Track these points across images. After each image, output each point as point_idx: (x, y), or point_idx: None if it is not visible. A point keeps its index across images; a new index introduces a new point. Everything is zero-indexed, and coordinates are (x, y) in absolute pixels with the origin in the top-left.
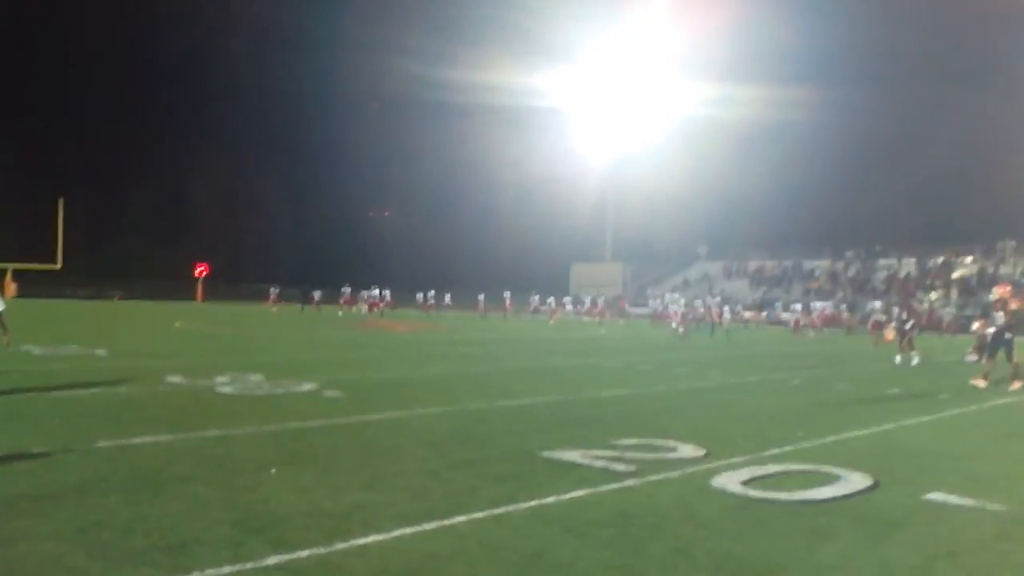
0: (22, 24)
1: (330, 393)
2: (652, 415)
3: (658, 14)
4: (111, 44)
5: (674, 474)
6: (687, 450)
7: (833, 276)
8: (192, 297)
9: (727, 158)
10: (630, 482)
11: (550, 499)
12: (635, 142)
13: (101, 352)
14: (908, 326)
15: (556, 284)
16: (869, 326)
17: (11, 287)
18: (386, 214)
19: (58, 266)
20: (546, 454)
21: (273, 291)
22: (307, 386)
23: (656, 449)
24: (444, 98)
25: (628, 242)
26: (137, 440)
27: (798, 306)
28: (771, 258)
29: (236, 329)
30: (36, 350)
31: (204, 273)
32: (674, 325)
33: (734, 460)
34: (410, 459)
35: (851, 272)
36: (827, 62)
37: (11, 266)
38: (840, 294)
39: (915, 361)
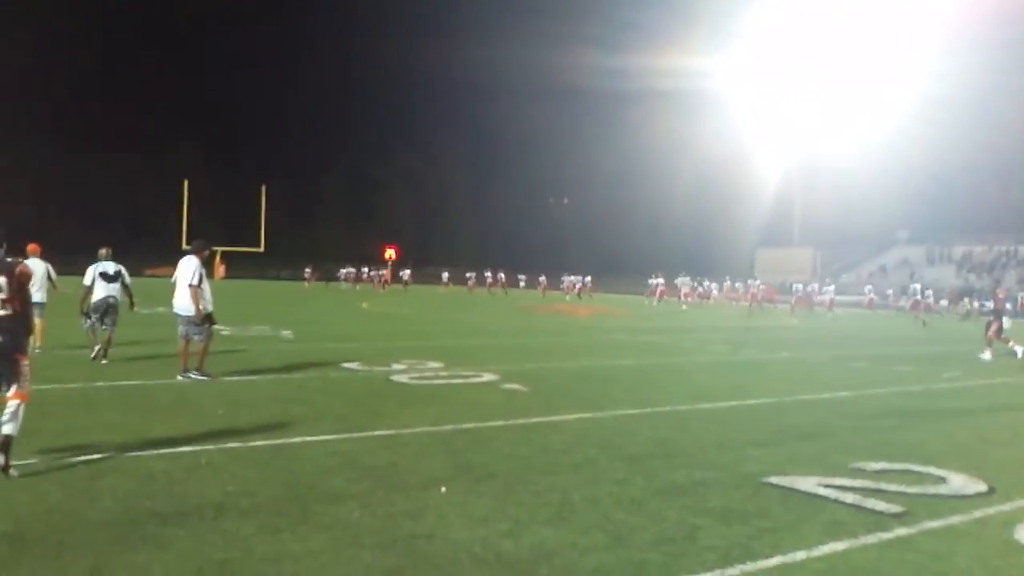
0: (222, 26)
1: (511, 386)
2: (892, 428)
3: None
4: (303, 45)
5: (958, 520)
6: (960, 482)
7: None
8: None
9: (931, 135)
10: (901, 531)
11: (798, 554)
12: (825, 121)
13: (287, 334)
14: None
15: (740, 270)
16: None
17: (220, 269)
18: (566, 202)
19: (261, 249)
20: (775, 480)
21: (445, 275)
22: (486, 376)
23: (919, 480)
24: (623, 86)
25: (818, 226)
26: (297, 440)
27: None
28: (980, 243)
29: (420, 311)
30: (225, 330)
31: (392, 256)
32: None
33: None
34: (607, 480)
35: None
36: None
37: (220, 249)
38: None
39: None
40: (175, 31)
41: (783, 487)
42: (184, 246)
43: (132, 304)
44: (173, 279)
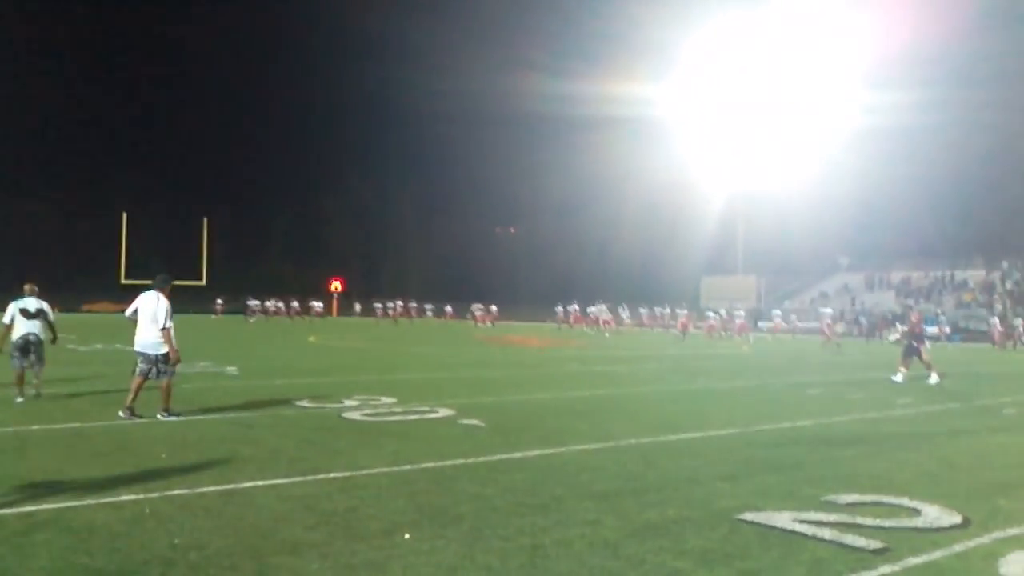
0: (162, 53)
1: (468, 421)
2: (857, 457)
3: (790, 18)
4: (247, 71)
5: (940, 555)
6: (935, 513)
7: (988, 287)
8: (327, 312)
9: (867, 164)
10: (885, 568)
11: None
12: (766, 149)
13: (232, 370)
14: None
15: (686, 298)
16: None
17: None
18: (512, 231)
19: (203, 282)
20: (750, 517)
21: (397, 305)
22: (442, 412)
23: (893, 512)
24: (570, 112)
25: (762, 253)
26: (248, 484)
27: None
28: (917, 269)
29: (368, 344)
30: None
31: (339, 288)
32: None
33: (1010, 532)
34: (577, 521)
35: (1009, 283)
36: (972, 60)
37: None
38: (998, 307)
39: None
40: (116, 58)
41: (759, 524)
42: (123, 280)
43: (54, 339)
44: (130, 314)
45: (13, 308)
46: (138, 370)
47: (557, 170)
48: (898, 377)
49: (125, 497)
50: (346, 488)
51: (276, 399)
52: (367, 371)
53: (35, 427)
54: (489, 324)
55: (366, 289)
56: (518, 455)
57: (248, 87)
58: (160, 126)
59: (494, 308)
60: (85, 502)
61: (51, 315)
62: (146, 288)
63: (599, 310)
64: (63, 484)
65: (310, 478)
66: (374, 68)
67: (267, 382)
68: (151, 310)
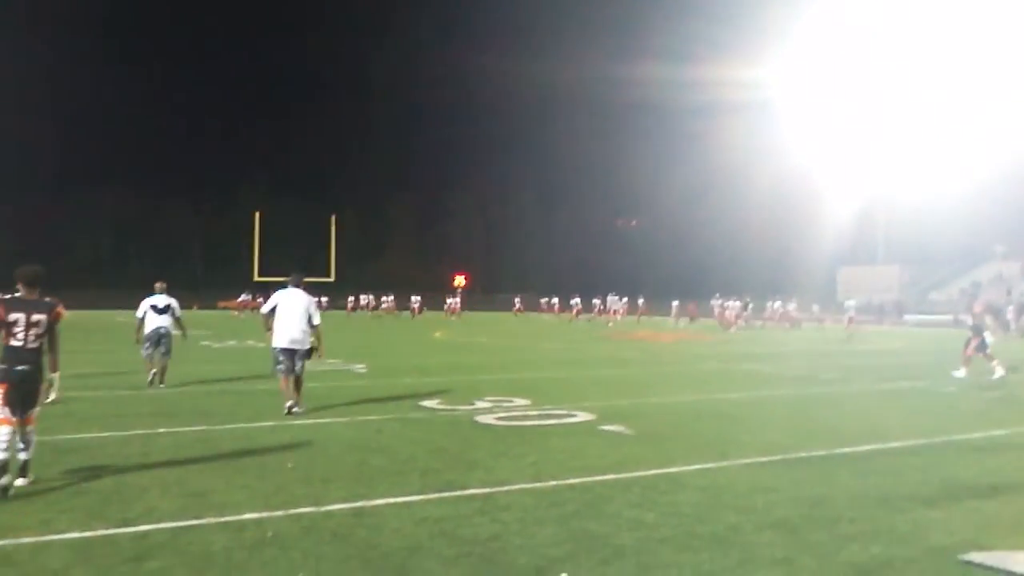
0: (290, 60)
1: (611, 427)
2: None
3: None
4: (370, 71)
5: None
6: None
7: None
8: (453, 308)
9: None
10: None
11: None
12: (912, 130)
13: (360, 367)
14: None
15: (821, 290)
16: None
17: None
18: (633, 223)
19: (331, 279)
20: (977, 559)
21: (517, 300)
22: (581, 416)
23: None
24: (690, 99)
25: (905, 242)
26: (379, 502)
27: None
28: None
29: (494, 340)
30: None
31: (463, 284)
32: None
33: None
34: (765, 559)
35: None
36: None
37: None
38: None
39: None
40: (248, 68)
41: (994, 570)
42: (256, 277)
43: (184, 334)
44: (267, 311)
45: (145, 304)
46: (283, 368)
47: (681, 160)
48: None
49: (247, 515)
50: (486, 509)
51: (405, 400)
52: (496, 369)
53: (161, 430)
54: (617, 318)
55: (489, 284)
56: (674, 470)
57: (371, 87)
58: (289, 129)
59: (623, 300)
60: (204, 520)
61: (179, 311)
62: (280, 285)
63: (729, 305)
64: (183, 499)
65: (446, 495)
66: (495, 62)
67: (395, 381)
68: (300, 306)
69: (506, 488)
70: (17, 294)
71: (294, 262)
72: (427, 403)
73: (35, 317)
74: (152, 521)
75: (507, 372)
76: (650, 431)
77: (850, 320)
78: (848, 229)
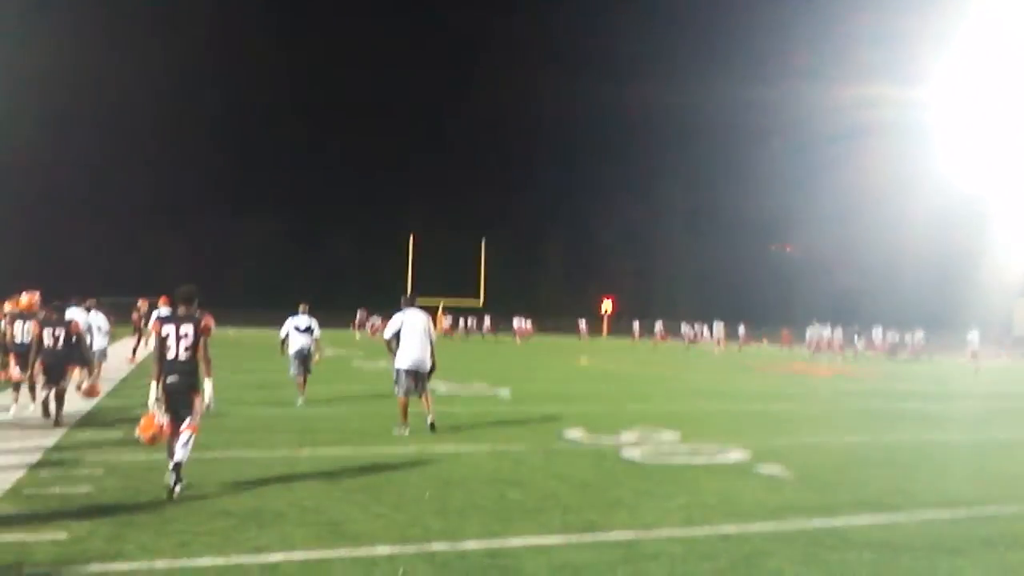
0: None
1: (768, 469)
2: None
3: None
4: (517, 98)
5: None
6: None
7: None
8: (599, 332)
9: None
10: None
11: None
12: None
13: (504, 393)
14: None
15: (996, 323)
16: None
17: (442, 321)
18: (787, 248)
19: (480, 303)
20: None
21: (658, 326)
22: (734, 455)
23: None
24: (844, 119)
25: None
26: (517, 542)
27: None
28: None
29: (641, 368)
30: (443, 387)
31: (610, 309)
32: None
33: None
34: None
35: None
36: None
37: (442, 301)
38: None
39: None
40: (398, 96)
41: None
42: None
43: (321, 354)
44: (391, 335)
45: (288, 325)
46: (404, 389)
47: (836, 182)
48: None
49: (380, 549)
50: (631, 558)
51: (548, 428)
52: (643, 399)
53: (305, 451)
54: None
55: (637, 310)
56: (841, 522)
57: (520, 114)
58: (441, 153)
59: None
60: (337, 553)
61: (318, 332)
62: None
63: (888, 337)
64: (319, 525)
65: (587, 538)
66: (639, 87)
67: (539, 408)
68: (423, 326)
69: (653, 534)
70: (177, 311)
71: (444, 285)
72: (571, 433)
73: (183, 330)
74: (285, 549)
75: (653, 403)
76: (811, 475)
77: (973, 355)
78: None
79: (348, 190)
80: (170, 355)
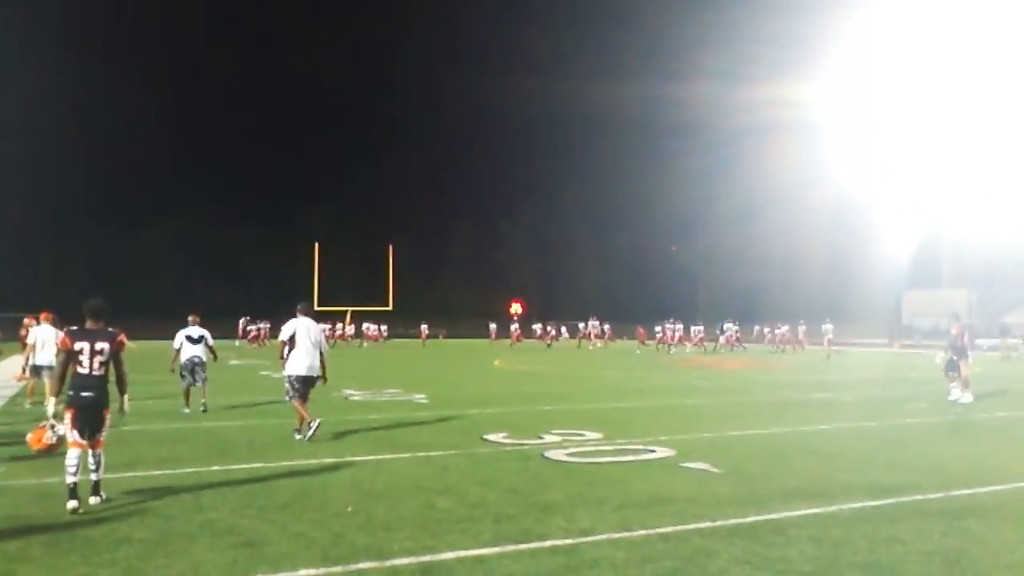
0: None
1: (695, 464)
2: None
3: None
4: (420, 100)
5: None
6: None
7: None
8: (507, 335)
9: None
10: None
11: None
12: (974, 146)
13: (420, 398)
14: None
15: (885, 315)
16: None
17: (350, 328)
18: (673, 249)
19: (389, 307)
20: None
21: (593, 324)
22: (660, 451)
23: None
24: (741, 119)
25: (969, 265)
26: (449, 556)
27: None
28: None
29: (553, 368)
30: (356, 394)
31: (519, 312)
32: None
33: None
34: None
35: None
36: None
37: (350, 309)
38: None
39: None
40: (300, 104)
41: None
42: (316, 307)
43: (215, 358)
44: (286, 339)
45: (181, 336)
46: (298, 394)
47: (732, 181)
48: (962, 397)
49: (304, 573)
50: (571, 566)
51: (469, 433)
52: (560, 399)
53: (215, 467)
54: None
55: (545, 311)
56: (777, 516)
57: (421, 116)
58: (343, 160)
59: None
60: None
61: (211, 340)
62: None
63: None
64: (234, 548)
65: (523, 547)
66: (542, 84)
67: (458, 411)
68: (314, 335)
69: (591, 539)
70: (85, 325)
71: (352, 291)
72: (492, 436)
73: (99, 345)
74: None
75: (573, 402)
76: (739, 469)
77: (828, 342)
78: (909, 251)
79: (252, 198)
80: (82, 370)
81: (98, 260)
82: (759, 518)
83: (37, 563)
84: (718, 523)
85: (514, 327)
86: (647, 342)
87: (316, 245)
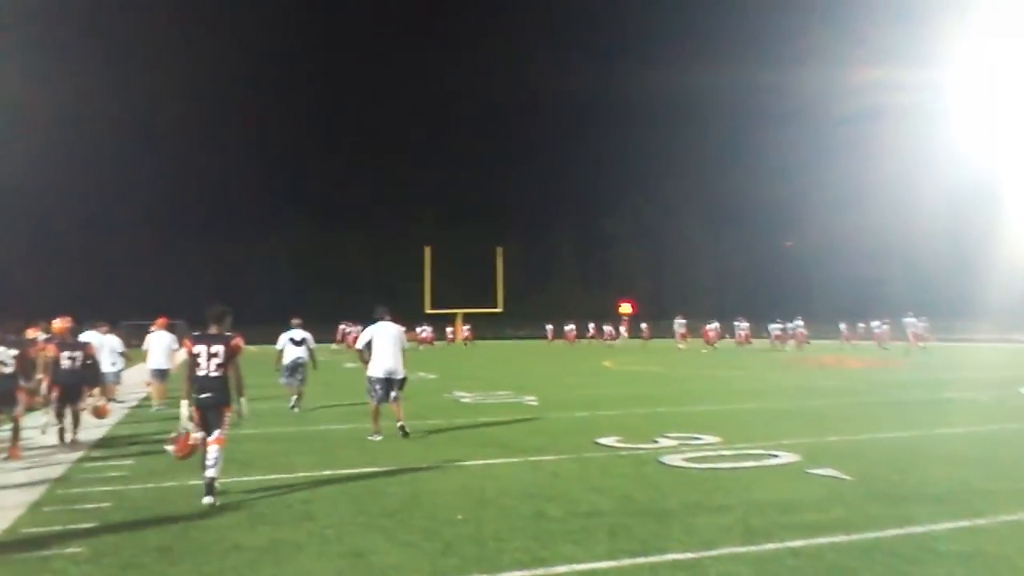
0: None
1: (822, 471)
2: None
3: None
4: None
5: None
6: None
7: None
8: (618, 336)
9: None
10: None
11: None
12: None
13: (531, 400)
14: None
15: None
16: None
17: (462, 331)
18: (787, 244)
19: (499, 309)
20: None
21: (679, 323)
22: (783, 456)
23: None
24: (863, 104)
25: None
26: (563, 569)
27: None
28: None
29: (666, 368)
30: (466, 396)
31: (629, 311)
32: None
33: None
34: None
35: None
36: None
37: (461, 311)
38: None
39: None
40: (413, 109)
41: None
42: (428, 310)
43: (315, 365)
44: (363, 345)
45: (284, 338)
46: (377, 398)
47: (854, 173)
48: None
49: None
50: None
51: (581, 436)
52: (674, 401)
53: (326, 472)
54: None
55: (655, 310)
56: (919, 529)
57: (525, 117)
58: (454, 163)
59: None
60: None
61: (312, 344)
62: (444, 318)
63: (912, 323)
64: (341, 557)
65: (641, 561)
66: (651, 79)
67: (568, 414)
68: (394, 337)
69: (714, 552)
70: (208, 330)
71: (463, 294)
72: (605, 440)
73: (214, 348)
74: None
75: (687, 404)
76: (871, 475)
77: (914, 336)
78: None
79: (363, 199)
80: (200, 372)
81: (223, 270)
82: (899, 531)
83: (147, 570)
84: (854, 536)
85: (569, 327)
86: (714, 344)
87: (428, 248)
